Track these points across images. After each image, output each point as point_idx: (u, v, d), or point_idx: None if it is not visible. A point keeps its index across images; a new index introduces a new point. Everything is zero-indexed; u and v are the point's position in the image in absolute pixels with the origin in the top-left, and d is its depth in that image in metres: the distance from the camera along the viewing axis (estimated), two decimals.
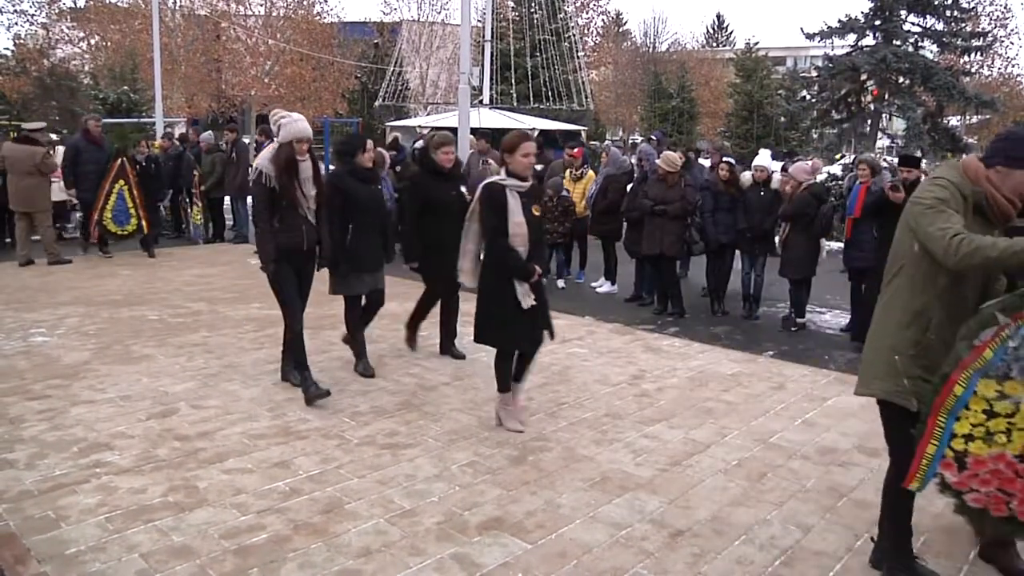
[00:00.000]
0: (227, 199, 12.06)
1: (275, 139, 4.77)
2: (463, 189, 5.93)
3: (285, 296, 4.92)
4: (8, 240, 10.82)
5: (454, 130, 8.77)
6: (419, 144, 11.92)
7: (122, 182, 9.85)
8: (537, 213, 4.43)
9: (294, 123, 4.70)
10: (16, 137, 9.93)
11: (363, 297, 5.54)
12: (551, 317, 4.54)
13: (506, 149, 4.37)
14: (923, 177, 6.92)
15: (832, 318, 7.99)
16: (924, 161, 16.39)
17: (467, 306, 5.31)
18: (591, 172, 9.69)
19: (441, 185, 5.66)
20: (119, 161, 9.83)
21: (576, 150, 9.71)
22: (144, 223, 10.09)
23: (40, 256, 9.61)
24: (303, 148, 4.74)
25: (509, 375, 4.53)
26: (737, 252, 7.98)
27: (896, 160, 11.04)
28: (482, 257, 4.50)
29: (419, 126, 20.90)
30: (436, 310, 6.04)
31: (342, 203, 5.16)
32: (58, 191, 10.30)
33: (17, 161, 9.31)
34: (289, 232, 4.80)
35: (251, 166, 12.07)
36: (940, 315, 2.77)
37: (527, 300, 4.26)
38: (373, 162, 5.51)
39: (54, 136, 16.07)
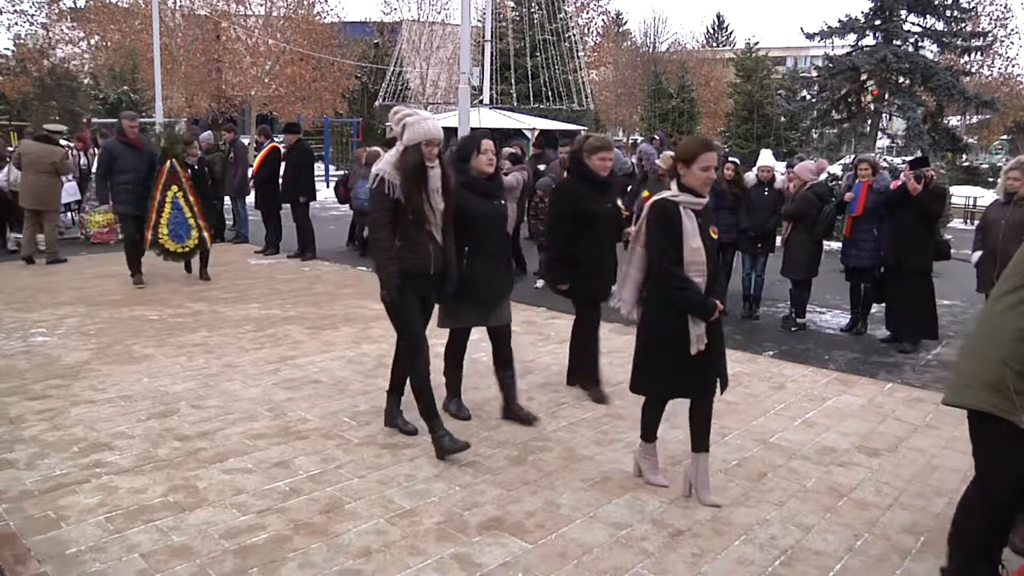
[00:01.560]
0: (227, 199, 12.06)
1: (398, 141, 4.02)
2: (619, 201, 5.29)
3: (412, 331, 4.13)
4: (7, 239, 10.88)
5: (454, 130, 8.75)
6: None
7: (175, 188, 8.40)
8: (715, 236, 3.68)
9: (423, 122, 3.96)
10: (36, 136, 9.97)
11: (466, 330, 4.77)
12: (726, 363, 3.77)
13: (682, 159, 3.59)
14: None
15: (832, 318, 7.98)
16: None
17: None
18: None
19: (595, 195, 4.91)
20: (168, 164, 8.38)
21: (566, 149, 9.66)
22: (206, 235, 8.67)
23: (40, 256, 9.63)
24: (433, 152, 3.98)
25: (657, 423, 3.84)
26: (737, 252, 7.98)
27: (896, 160, 11.05)
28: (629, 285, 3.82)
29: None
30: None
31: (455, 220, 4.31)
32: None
33: (36, 159, 9.47)
34: (414, 253, 4.02)
35: (250, 166, 12.25)
36: None
37: (700, 344, 3.51)
38: (495, 168, 4.56)
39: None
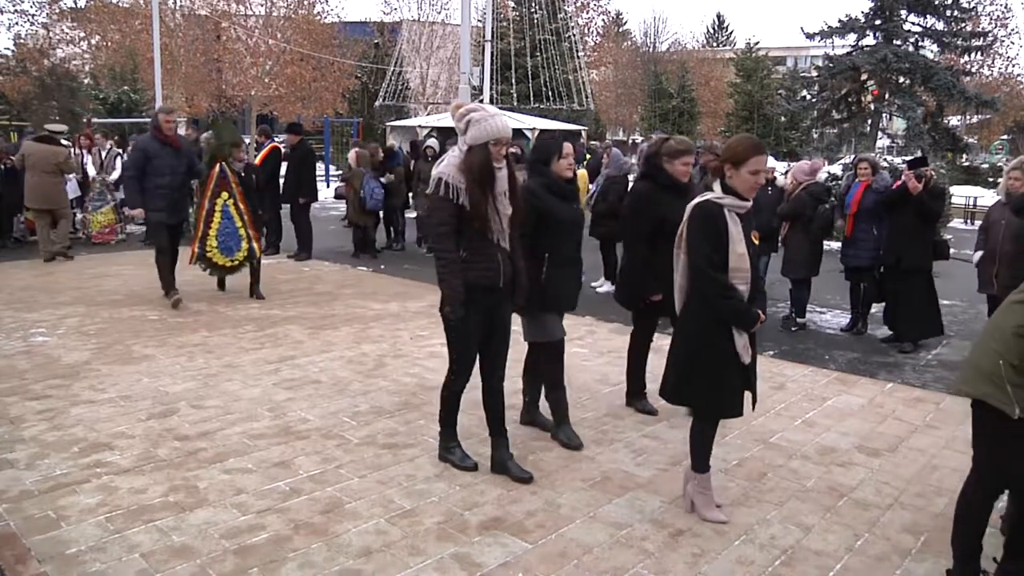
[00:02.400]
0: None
1: (461, 139, 3.70)
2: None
3: (466, 353, 3.82)
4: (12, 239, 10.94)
5: (454, 130, 8.73)
6: (431, 143, 11.91)
7: (225, 195, 7.52)
8: (756, 241, 3.49)
9: (490, 119, 3.62)
10: (38, 137, 10.11)
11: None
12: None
13: (732, 160, 3.34)
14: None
15: (832, 318, 7.98)
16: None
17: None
18: (582, 171, 9.62)
19: (676, 202, 4.36)
20: (217, 168, 7.54)
21: None
22: (256, 245, 7.81)
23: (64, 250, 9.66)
24: (501, 152, 3.66)
25: (710, 451, 3.56)
26: None
27: (896, 160, 11.05)
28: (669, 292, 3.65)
29: (419, 126, 20.91)
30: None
31: (534, 225, 4.07)
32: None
33: (40, 160, 9.61)
34: (480, 264, 3.67)
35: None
36: None
37: (746, 355, 3.37)
38: (573, 172, 4.35)
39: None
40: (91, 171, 11.70)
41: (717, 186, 3.39)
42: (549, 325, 4.28)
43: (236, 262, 7.71)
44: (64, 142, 10.78)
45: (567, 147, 4.22)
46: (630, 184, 8.67)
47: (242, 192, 7.65)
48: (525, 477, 3.85)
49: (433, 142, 11.56)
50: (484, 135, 3.59)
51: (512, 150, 3.91)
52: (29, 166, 9.65)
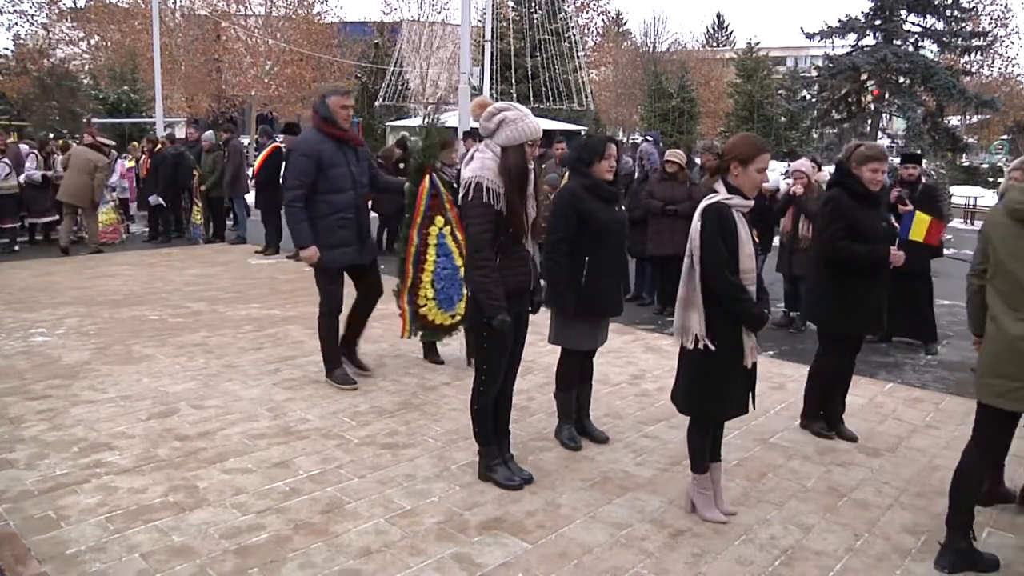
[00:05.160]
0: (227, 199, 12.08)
1: (489, 140, 3.53)
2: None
3: (498, 360, 3.68)
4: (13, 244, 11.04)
5: (454, 130, 8.73)
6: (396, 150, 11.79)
7: (440, 221, 5.33)
8: (757, 240, 3.43)
9: (525, 120, 3.48)
10: (89, 143, 10.90)
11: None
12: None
13: (739, 158, 3.30)
14: (923, 176, 6.94)
15: None
16: (924, 160, 16.44)
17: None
18: None
19: (869, 211, 4.36)
20: (427, 182, 5.29)
21: (561, 146, 9.53)
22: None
23: (46, 253, 9.66)
24: (534, 153, 3.56)
25: (708, 451, 3.56)
26: None
27: (896, 160, 11.05)
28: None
29: (419, 126, 20.89)
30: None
31: (576, 230, 3.99)
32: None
33: (81, 161, 10.50)
34: (515, 269, 3.59)
35: (250, 166, 12.26)
36: None
37: (753, 356, 3.39)
38: (615, 174, 4.22)
39: (52, 136, 16.27)
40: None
41: (721, 186, 3.33)
42: (576, 333, 4.17)
43: (456, 317, 5.44)
44: (110, 148, 11.71)
45: (610, 149, 4.10)
46: (630, 184, 8.69)
47: (459, 214, 4.91)
48: (515, 483, 3.77)
49: (397, 151, 11.47)
50: (520, 136, 3.47)
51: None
52: (71, 165, 10.56)
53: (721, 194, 3.31)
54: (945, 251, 6.73)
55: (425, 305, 5.31)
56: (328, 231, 4.95)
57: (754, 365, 3.45)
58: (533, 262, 3.71)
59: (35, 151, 11.44)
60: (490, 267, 3.49)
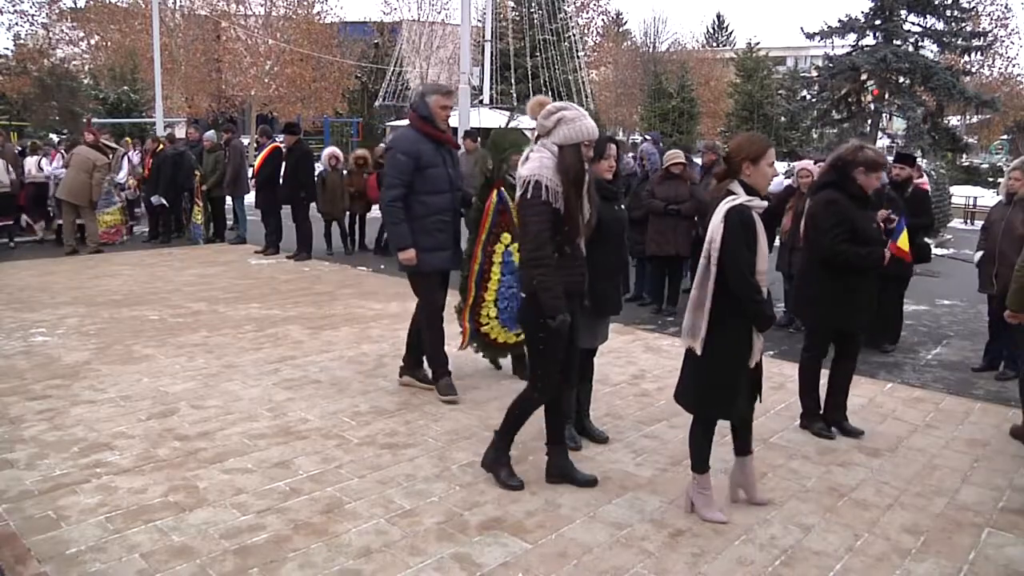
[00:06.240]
0: (228, 198, 12.08)
1: (545, 139, 3.53)
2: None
3: (554, 364, 3.65)
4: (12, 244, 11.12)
5: (454, 130, 8.71)
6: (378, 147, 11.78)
7: (507, 238, 4.99)
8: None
9: (583, 119, 3.49)
10: (91, 143, 11.03)
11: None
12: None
13: (750, 157, 3.35)
14: (914, 176, 6.91)
15: None
16: (924, 160, 16.43)
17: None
18: None
19: (863, 212, 4.41)
20: (494, 196, 4.96)
21: None
22: None
23: (46, 253, 9.67)
24: (589, 154, 3.60)
25: (709, 450, 3.57)
26: None
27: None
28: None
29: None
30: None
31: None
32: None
33: (81, 160, 10.57)
34: (571, 270, 3.59)
35: (250, 166, 12.26)
36: None
37: (759, 354, 3.47)
38: (614, 174, 4.22)
39: (53, 136, 16.29)
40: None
41: (738, 188, 3.35)
42: (585, 330, 4.05)
43: (520, 337, 4.98)
44: (113, 149, 11.95)
45: (611, 148, 4.12)
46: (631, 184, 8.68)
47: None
48: (589, 479, 3.81)
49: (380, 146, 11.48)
50: (578, 135, 3.47)
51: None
52: (71, 164, 10.66)
53: (742, 196, 3.32)
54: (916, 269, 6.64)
55: (487, 324, 5.08)
56: (425, 233, 4.80)
57: (758, 364, 3.51)
58: (585, 262, 3.71)
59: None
60: (549, 265, 3.47)
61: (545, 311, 3.47)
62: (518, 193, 3.55)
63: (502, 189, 4.92)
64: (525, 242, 3.53)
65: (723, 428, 3.67)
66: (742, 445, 3.66)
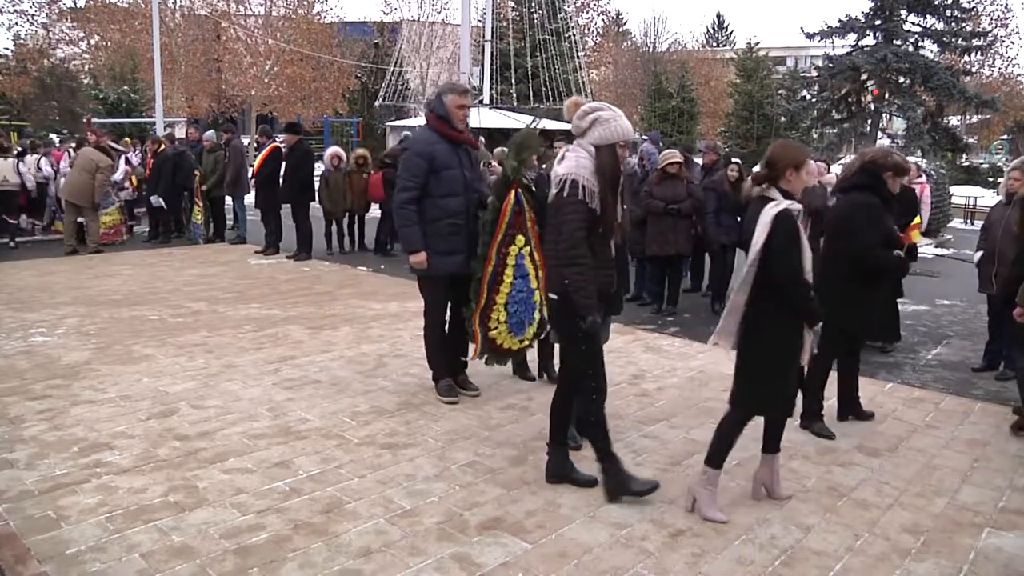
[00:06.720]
0: (228, 198, 12.08)
1: (581, 139, 3.53)
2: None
3: (599, 362, 3.69)
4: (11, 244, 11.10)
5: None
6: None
7: (521, 240, 4.74)
8: None
9: (619, 120, 3.49)
10: (97, 145, 11.08)
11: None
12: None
13: (794, 164, 3.46)
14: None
15: None
16: (924, 160, 16.41)
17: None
18: None
19: (890, 216, 4.51)
20: (512, 197, 4.67)
21: (560, 145, 9.48)
22: (546, 311, 4.72)
23: (46, 253, 9.66)
24: (625, 155, 3.60)
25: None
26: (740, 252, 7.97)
27: None
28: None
29: (420, 126, 20.87)
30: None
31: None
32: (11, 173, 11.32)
33: (84, 160, 10.61)
34: (603, 271, 3.59)
35: (251, 166, 12.25)
36: None
37: (808, 352, 3.59)
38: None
39: (54, 136, 16.31)
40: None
41: (777, 193, 3.46)
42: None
43: (525, 343, 4.97)
44: (119, 152, 12.17)
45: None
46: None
47: (538, 233, 4.65)
48: (589, 480, 3.79)
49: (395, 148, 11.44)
50: (614, 136, 3.47)
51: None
52: (75, 164, 10.77)
53: (785, 201, 3.42)
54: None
55: (496, 328, 4.83)
56: (437, 236, 4.73)
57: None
58: (615, 264, 3.73)
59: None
60: (586, 264, 3.46)
61: (577, 311, 3.46)
62: (553, 191, 3.54)
63: (519, 190, 4.75)
64: (559, 241, 3.50)
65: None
66: (772, 444, 3.74)
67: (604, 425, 3.72)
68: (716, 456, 3.59)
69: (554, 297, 3.61)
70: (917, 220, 5.44)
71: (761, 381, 3.52)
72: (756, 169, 3.71)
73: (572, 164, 3.48)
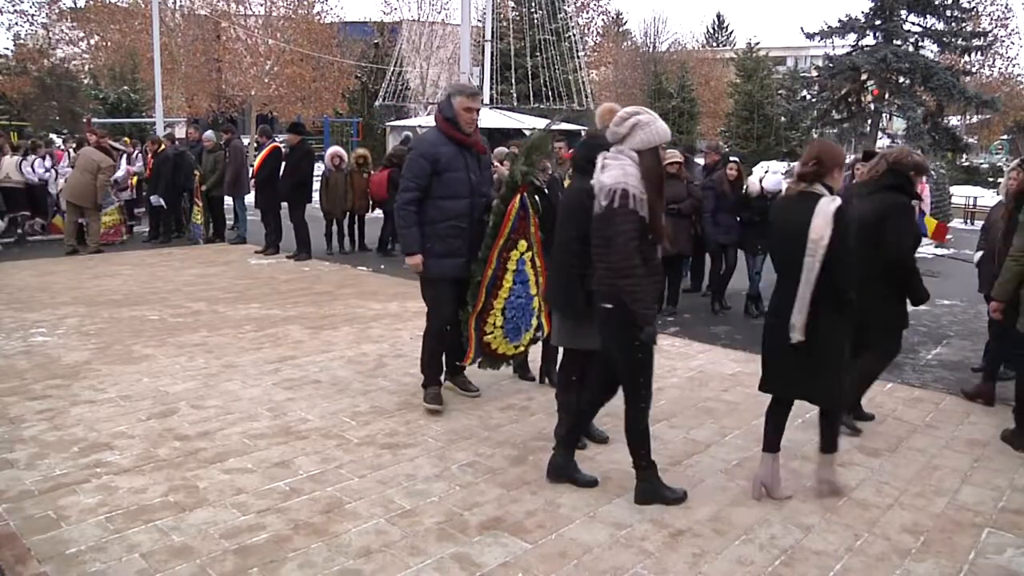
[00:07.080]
0: (228, 198, 12.08)
1: (621, 145, 3.45)
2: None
3: (649, 373, 3.68)
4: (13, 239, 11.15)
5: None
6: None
7: (523, 245, 4.73)
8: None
9: (657, 123, 3.43)
10: (98, 145, 11.08)
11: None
12: None
13: (838, 164, 3.58)
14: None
15: None
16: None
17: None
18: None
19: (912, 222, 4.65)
20: (517, 201, 4.63)
21: (560, 146, 9.41)
22: (545, 322, 4.86)
23: (46, 253, 9.65)
24: (665, 156, 3.60)
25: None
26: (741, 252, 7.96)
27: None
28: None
29: (419, 126, 20.89)
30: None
31: (586, 229, 3.68)
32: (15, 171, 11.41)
33: (86, 161, 10.62)
34: (652, 278, 3.55)
35: (251, 166, 12.24)
36: None
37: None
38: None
39: (54, 136, 16.35)
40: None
41: (824, 189, 3.53)
42: (582, 333, 4.02)
43: (520, 348, 5.00)
44: (121, 152, 12.19)
45: None
46: None
47: (541, 239, 4.74)
48: (589, 480, 3.86)
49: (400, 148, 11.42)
50: (655, 138, 3.41)
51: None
52: (76, 165, 10.77)
53: (837, 198, 3.49)
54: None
55: (491, 333, 4.80)
56: (437, 238, 4.64)
57: None
58: (662, 269, 3.70)
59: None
60: (640, 274, 3.38)
61: (638, 321, 3.41)
62: (601, 203, 3.40)
63: (525, 194, 4.66)
64: (609, 253, 3.39)
65: (724, 428, 3.66)
66: (775, 441, 3.83)
67: (648, 432, 3.74)
68: (773, 443, 3.82)
69: (608, 307, 3.50)
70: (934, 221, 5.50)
71: (833, 373, 3.63)
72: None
73: (619, 173, 3.36)
